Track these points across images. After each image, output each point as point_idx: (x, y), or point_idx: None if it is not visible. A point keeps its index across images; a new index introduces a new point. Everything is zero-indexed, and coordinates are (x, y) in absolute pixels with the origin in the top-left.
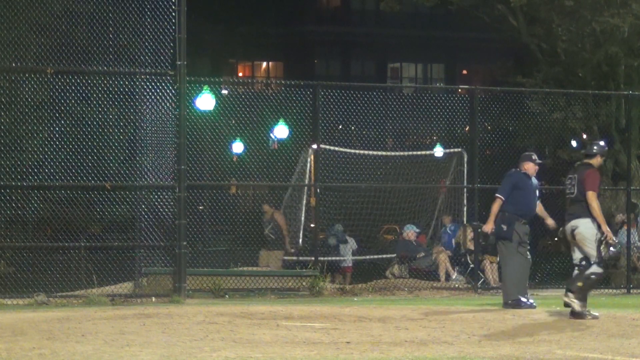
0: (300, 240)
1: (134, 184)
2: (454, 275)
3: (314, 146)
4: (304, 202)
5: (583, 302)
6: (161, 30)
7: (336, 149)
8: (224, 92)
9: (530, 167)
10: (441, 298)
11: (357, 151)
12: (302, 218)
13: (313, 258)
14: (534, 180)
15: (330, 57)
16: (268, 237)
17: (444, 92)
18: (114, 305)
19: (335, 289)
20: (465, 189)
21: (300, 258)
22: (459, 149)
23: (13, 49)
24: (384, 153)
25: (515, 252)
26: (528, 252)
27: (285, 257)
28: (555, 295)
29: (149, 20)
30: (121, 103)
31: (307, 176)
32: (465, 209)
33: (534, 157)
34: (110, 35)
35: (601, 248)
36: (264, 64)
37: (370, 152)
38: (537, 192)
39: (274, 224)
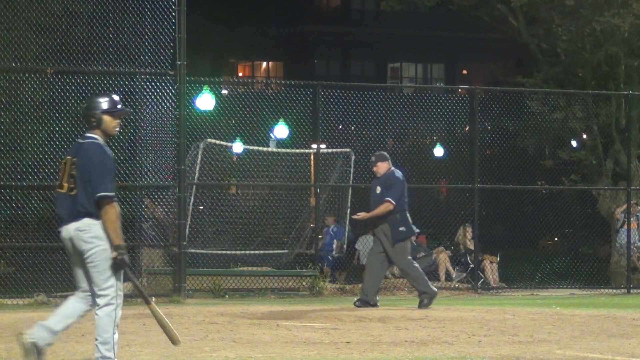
0: (186, 237)
1: (134, 184)
2: (454, 275)
3: (314, 146)
4: (191, 201)
5: None
6: (161, 30)
7: (222, 143)
8: (224, 92)
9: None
10: (441, 298)
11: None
12: (189, 217)
13: (208, 250)
14: (381, 180)
15: (330, 57)
16: (148, 232)
17: (444, 92)
18: None
19: (335, 289)
20: (350, 189)
21: (187, 250)
22: (347, 149)
23: (13, 49)
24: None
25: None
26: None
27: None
28: (556, 295)
29: (149, 20)
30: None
31: (197, 173)
32: (348, 210)
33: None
34: (110, 35)
35: None
36: (264, 64)
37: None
38: (378, 189)
39: (154, 219)
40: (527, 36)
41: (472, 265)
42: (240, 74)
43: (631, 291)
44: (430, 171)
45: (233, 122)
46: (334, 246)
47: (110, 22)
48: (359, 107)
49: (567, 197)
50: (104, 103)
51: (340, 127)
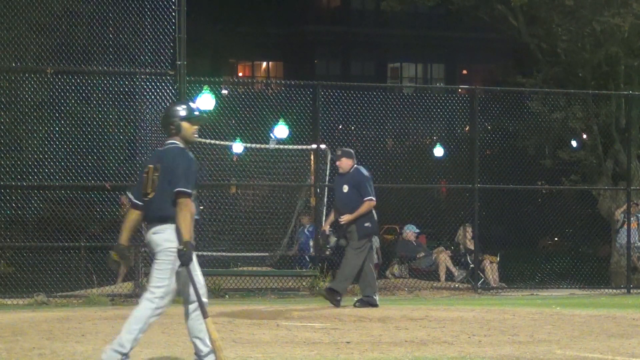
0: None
1: (134, 184)
2: (456, 273)
3: (313, 146)
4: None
5: None
6: (161, 30)
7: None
8: (224, 92)
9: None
10: (441, 298)
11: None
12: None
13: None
14: (347, 178)
15: (330, 57)
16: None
17: (444, 92)
18: (114, 305)
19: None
20: (326, 188)
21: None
22: (323, 146)
23: (13, 49)
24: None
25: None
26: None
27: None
28: (556, 295)
29: (149, 20)
30: (121, 103)
31: None
32: (324, 209)
33: (336, 152)
34: (110, 35)
35: None
36: (264, 64)
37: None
38: (346, 188)
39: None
40: (527, 36)
41: (472, 265)
42: (240, 74)
43: (631, 291)
44: (430, 171)
45: (233, 122)
46: (311, 246)
47: (110, 22)
48: (359, 107)
49: (567, 197)
50: (182, 110)
51: (340, 127)
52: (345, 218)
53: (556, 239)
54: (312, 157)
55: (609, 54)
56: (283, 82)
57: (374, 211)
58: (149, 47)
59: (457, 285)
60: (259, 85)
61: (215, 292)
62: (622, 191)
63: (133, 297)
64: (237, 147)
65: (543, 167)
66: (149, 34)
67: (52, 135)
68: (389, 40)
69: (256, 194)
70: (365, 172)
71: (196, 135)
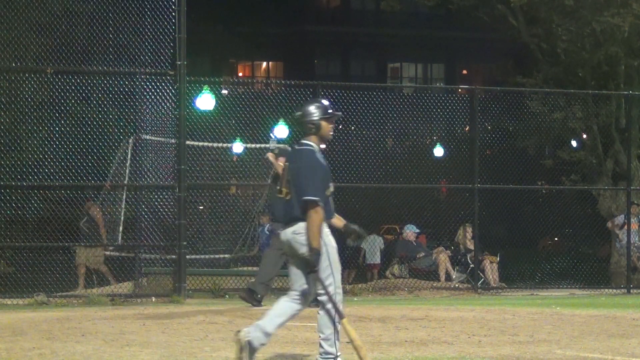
0: (119, 238)
1: (134, 184)
2: (454, 275)
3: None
4: (124, 199)
5: None
6: (161, 30)
7: (155, 138)
8: (224, 92)
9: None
10: (441, 298)
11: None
12: (122, 216)
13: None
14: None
15: (330, 57)
16: (82, 230)
17: (444, 92)
18: (114, 305)
19: None
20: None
21: (123, 254)
22: (285, 144)
23: (13, 49)
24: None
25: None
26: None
27: (107, 253)
28: (556, 296)
29: (149, 20)
30: (121, 103)
31: (127, 171)
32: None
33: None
34: (110, 35)
35: None
36: (264, 64)
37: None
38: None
39: (89, 217)
40: (527, 36)
41: (472, 265)
42: (240, 74)
43: (631, 291)
44: (430, 171)
45: (233, 122)
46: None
47: (110, 22)
48: (359, 107)
49: (567, 197)
50: (321, 109)
51: (340, 127)
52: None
53: (556, 239)
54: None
55: (609, 54)
56: (283, 82)
57: None
58: (149, 47)
59: (457, 285)
60: (259, 85)
61: (215, 292)
62: (622, 191)
63: (133, 297)
64: (237, 147)
65: (543, 167)
66: (149, 34)
67: (52, 135)
68: (389, 40)
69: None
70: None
71: (331, 133)
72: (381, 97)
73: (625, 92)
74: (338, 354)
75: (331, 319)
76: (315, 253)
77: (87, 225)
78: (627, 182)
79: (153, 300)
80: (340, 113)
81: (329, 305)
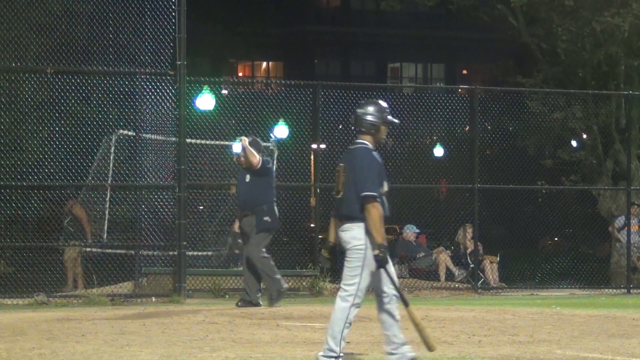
0: (105, 235)
1: (134, 184)
2: (457, 272)
3: (314, 146)
4: (108, 198)
5: None
6: (161, 30)
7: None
8: (224, 92)
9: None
10: (441, 298)
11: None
12: (107, 214)
13: (122, 251)
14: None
15: (330, 57)
16: (67, 229)
17: (444, 92)
18: (114, 305)
19: (336, 289)
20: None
21: (107, 251)
22: (269, 143)
23: (13, 49)
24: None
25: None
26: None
27: (89, 249)
28: (556, 296)
29: (149, 20)
30: (121, 103)
31: (111, 169)
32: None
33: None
34: (110, 35)
35: None
36: (264, 64)
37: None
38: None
39: (72, 216)
40: (527, 36)
41: (472, 265)
42: (240, 74)
43: (631, 291)
44: (430, 171)
45: (233, 122)
46: None
47: (110, 22)
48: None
49: (567, 197)
50: (384, 114)
51: (340, 127)
52: (244, 139)
53: (556, 239)
54: (312, 157)
55: (609, 54)
56: (283, 82)
57: (275, 207)
58: (149, 47)
59: (457, 285)
60: (259, 85)
61: (215, 292)
62: (622, 191)
63: (133, 297)
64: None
65: (543, 167)
66: (149, 34)
67: (52, 136)
68: (389, 40)
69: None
70: (269, 165)
71: (384, 137)
72: (381, 97)
73: (625, 92)
74: (404, 342)
75: (344, 317)
76: (383, 248)
77: (71, 224)
78: (627, 182)
79: (153, 300)
80: (398, 121)
81: (346, 304)
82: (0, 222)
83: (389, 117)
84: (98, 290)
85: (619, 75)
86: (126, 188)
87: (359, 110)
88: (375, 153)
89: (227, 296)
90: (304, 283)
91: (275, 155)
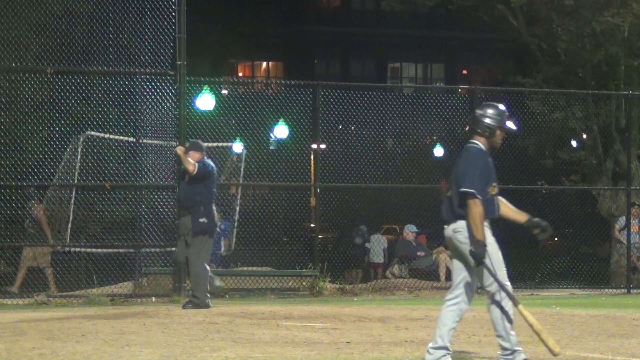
0: (68, 236)
1: (134, 184)
2: None
3: (314, 146)
4: (72, 199)
5: None
6: (161, 30)
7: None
8: (224, 92)
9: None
10: (441, 298)
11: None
12: (71, 215)
13: (82, 250)
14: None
15: (330, 57)
16: (27, 230)
17: (444, 92)
18: (114, 305)
19: (335, 289)
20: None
21: (72, 249)
22: (238, 142)
23: (13, 49)
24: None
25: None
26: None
27: (57, 249)
28: (556, 296)
29: (149, 20)
30: (121, 103)
31: (78, 170)
32: (237, 208)
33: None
34: (110, 35)
35: None
36: (264, 64)
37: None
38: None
39: (31, 218)
40: (527, 36)
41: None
42: (240, 74)
43: (631, 291)
44: (430, 171)
45: (233, 122)
46: (222, 244)
47: (110, 22)
48: (359, 107)
49: (567, 197)
50: (502, 118)
51: (340, 127)
52: (180, 149)
53: (556, 239)
54: (312, 157)
55: (609, 54)
56: (283, 82)
57: (214, 208)
58: (149, 47)
59: None
60: (259, 85)
61: (215, 292)
62: (622, 191)
63: (133, 297)
64: (237, 147)
65: (543, 167)
66: (149, 34)
67: (52, 136)
68: (389, 40)
69: (256, 194)
70: (210, 166)
71: (499, 142)
72: (381, 97)
73: (625, 92)
74: (515, 348)
75: (499, 314)
76: (480, 245)
77: (31, 225)
78: (627, 182)
79: (153, 300)
80: (515, 128)
81: (495, 303)
82: (0, 222)
83: (507, 123)
84: (98, 290)
85: (619, 75)
86: (126, 188)
87: (478, 112)
88: (485, 154)
89: (227, 296)
90: (304, 283)
91: (244, 155)
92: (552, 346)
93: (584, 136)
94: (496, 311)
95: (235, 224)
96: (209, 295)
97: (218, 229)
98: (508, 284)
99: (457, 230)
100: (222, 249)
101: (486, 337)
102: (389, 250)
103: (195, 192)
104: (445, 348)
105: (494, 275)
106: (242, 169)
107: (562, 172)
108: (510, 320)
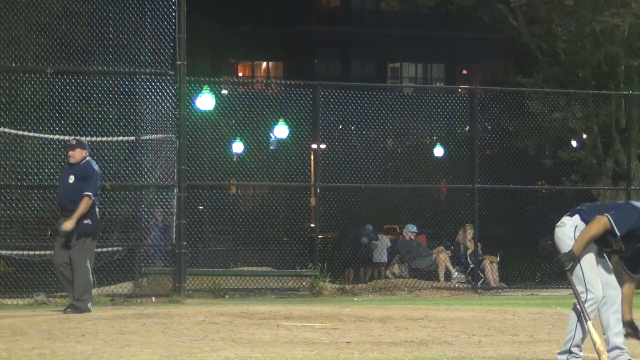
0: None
1: (134, 184)
2: (455, 274)
3: (314, 146)
4: None
5: None
6: (161, 30)
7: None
8: (224, 92)
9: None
10: (441, 298)
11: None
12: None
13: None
14: (75, 169)
15: (330, 57)
16: None
17: (444, 92)
18: (114, 305)
19: (335, 289)
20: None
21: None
22: (172, 135)
23: (13, 49)
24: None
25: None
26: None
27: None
28: (556, 296)
29: (149, 20)
30: (121, 103)
31: None
32: (175, 202)
33: (70, 141)
34: (110, 35)
35: None
36: (264, 64)
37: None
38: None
39: None
40: (527, 36)
41: (472, 265)
42: (240, 74)
43: None
44: (430, 171)
45: (233, 122)
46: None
47: (110, 22)
48: (359, 107)
49: (567, 197)
50: None
51: (340, 127)
52: (68, 225)
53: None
54: (312, 157)
55: (608, 54)
56: (283, 82)
57: (97, 209)
58: (149, 47)
59: (457, 285)
60: (259, 85)
61: (215, 292)
62: (622, 191)
63: (133, 297)
64: (237, 147)
65: (543, 167)
66: (149, 34)
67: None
68: (389, 40)
69: (256, 194)
70: (95, 166)
71: None
72: (381, 97)
73: (625, 92)
74: (580, 353)
75: (574, 319)
76: (565, 257)
77: None
78: (627, 182)
79: (153, 300)
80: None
81: (578, 307)
82: (0, 222)
83: None
84: (98, 290)
85: (619, 75)
86: (126, 188)
87: None
88: None
89: (227, 296)
90: (304, 283)
91: (177, 147)
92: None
93: (584, 136)
94: (572, 314)
95: (174, 217)
96: (89, 299)
97: (160, 224)
98: (584, 295)
99: (558, 225)
100: (166, 243)
101: (486, 337)
102: (389, 250)
103: (77, 193)
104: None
105: (574, 289)
106: (176, 160)
107: (562, 172)
108: (580, 329)
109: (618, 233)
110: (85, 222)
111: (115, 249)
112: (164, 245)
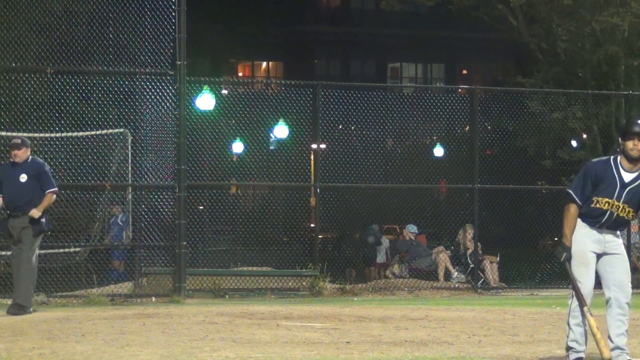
0: None
1: (134, 184)
2: (455, 274)
3: (314, 146)
4: None
5: None
6: (161, 30)
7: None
8: (224, 92)
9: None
10: (441, 298)
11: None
12: None
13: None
14: (24, 167)
15: (330, 57)
16: None
17: (444, 92)
18: (114, 305)
19: (335, 289)
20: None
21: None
22: (122, 129)
23: (13, 49)
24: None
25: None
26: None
27: None
28: (556, 295)
29: (149, 20)
30: (121, 103)
31: None
32: (129, 198)
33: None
34: (110, 35)
35: None
36: (264, 64)
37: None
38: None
39: None
40: (527, 36)
41: (472, 265)
42: (240, 74)
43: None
44: (430, 171)
45: (233, 122)
46: (124, 237)
47: (110, 22)
48: (359, 107)
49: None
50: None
51: (340, 127)
52: (35, 213)
53: (556, 239)
54: (312, 157)
55: (608, 54)
56: (283, 82)
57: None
58: (149, 47)
59: (457, 285)
60: (259, 85)
61: (215, 292)
62: None
63: (133, 297)
64: (237, 146)
65: (543, 167)
66: (149, 34)
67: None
68: (389, 40)
69: (256, 194)
70: (42, 162)
71: (634, 152)
72: (381, 97)
73: (625, 92)
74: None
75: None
76: (560, 247)
77: None
78: None
79: (153, 300)
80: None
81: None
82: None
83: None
84: (98, 290)
85: (619, 75)
86: (126, 188)
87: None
88: (596, 163)
89: (227, 296)
90: (304, 283)
91: (130, 141)
92: (602, 348)
93: (584, 136)
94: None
95: (130, 214)
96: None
97: (119, 222)
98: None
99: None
100: (125, 240)
101: (486, 337)
102: (390, 250)
103: (32, 191)
104: None
105: (573, 283)
106: (129, 156)
107: (562, 172)
108: (572, 322)
109: (578, 201)
110: (42, 220)
111: (74, 250)
112: (122, 244)
